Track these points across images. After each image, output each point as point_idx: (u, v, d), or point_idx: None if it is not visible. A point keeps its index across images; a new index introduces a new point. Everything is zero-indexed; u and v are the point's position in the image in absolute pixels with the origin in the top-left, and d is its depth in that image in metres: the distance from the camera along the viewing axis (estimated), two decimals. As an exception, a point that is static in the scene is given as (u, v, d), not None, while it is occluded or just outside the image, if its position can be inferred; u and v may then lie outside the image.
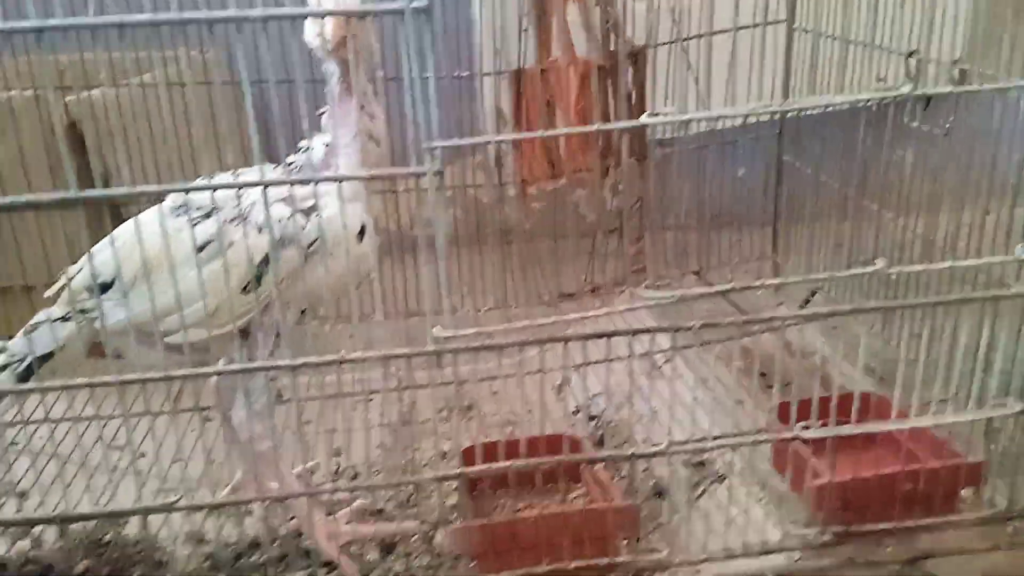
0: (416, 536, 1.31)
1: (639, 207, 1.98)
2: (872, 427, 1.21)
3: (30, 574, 1.25)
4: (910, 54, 1.35)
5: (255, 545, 1.30)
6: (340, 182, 1.13)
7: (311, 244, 1.15)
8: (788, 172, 2.00)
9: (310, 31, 1.13)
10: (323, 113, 1.23)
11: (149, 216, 1.17)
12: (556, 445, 1.22)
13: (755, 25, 1.83)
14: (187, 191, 1.02)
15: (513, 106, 1.87)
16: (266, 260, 1.13)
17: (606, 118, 1.85)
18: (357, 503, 1.38)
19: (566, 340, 1.10)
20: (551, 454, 1.19)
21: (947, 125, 1.44)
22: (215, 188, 1.06)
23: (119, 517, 1.15)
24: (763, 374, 1.63)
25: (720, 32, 1.79)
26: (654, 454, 1.14)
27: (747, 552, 1.21)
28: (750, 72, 1.82)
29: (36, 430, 1.45)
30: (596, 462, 1.28)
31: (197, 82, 1.80)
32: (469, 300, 1.99)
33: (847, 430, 1.16)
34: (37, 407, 1.37)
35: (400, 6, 0.92)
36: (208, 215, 1.13)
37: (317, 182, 1.13)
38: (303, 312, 1.22)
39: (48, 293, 1.18)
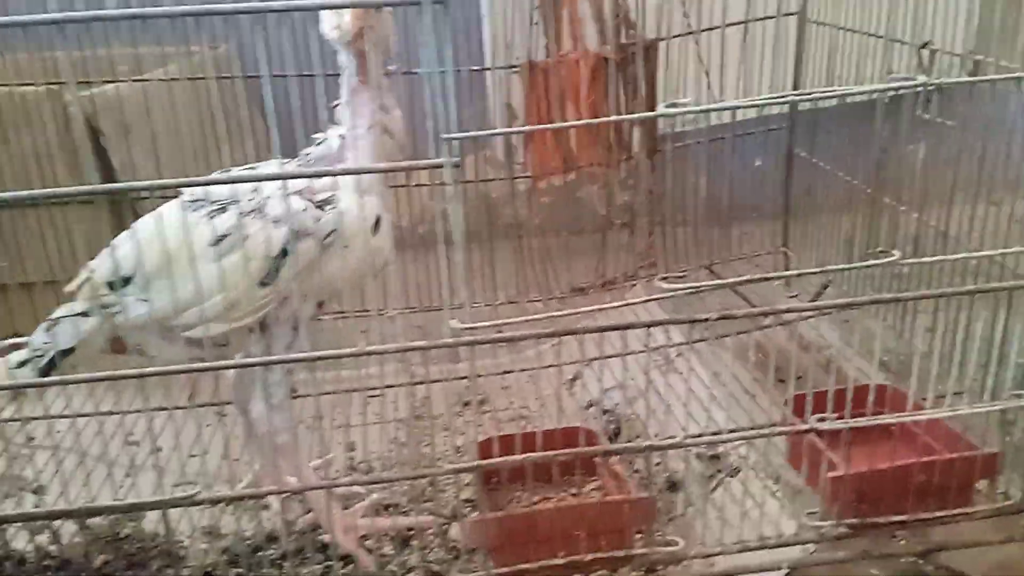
0: (431, 530, 1.32)
1: (650, 201, 1.97)
2: (888, 419, 1.21)
3: (48, 569, 1.25)
4: (923, 45, 1.35)
5: (272, 539, 1.30)
6: (357, 175, 1.13)
7: (327, 236, 1.15)
8: (799, 165, 1.99)
9: (328, 22, 1.13)
10: (336, 105, 1.23)
11: (166, 210, 1.17)
12: (572, 438, 1.22)
13: (767, 17, 1.82)
14: (209, 184, 1.02)
15: (524, 100, 1.87)
16: (283, 252, 1.13)
17: (617, 112, 1.84)
18: (374, 497, 1.39)
19: (584, 332, 1.11)
20: (567, 447, 1.20)
21: (959, 117, 1.44)
22: (234, 181, 1.07)
23: (140, 510, 1.16)
24: (772, 368, 1.63)
25: (732, 25, 1.79)
26: (670, 446, 1.14)
27: (762, 544, 1.21)
28: (761, 65, 1.82)
29: (54, 425, 1.46)
30: (612, 455, 1.28)
31: (210, 77, 1.80)
32: (481, 295, 1.99)
33: (863, 422, 1.16)
34: (55, 401, 1.38)
35: (418, -2, 0.92)
36: (224, 208, 1.14)
37: (336, 175, 1.13)
38: (320, 305, 1.23)
39: (69, 288, 1.18)
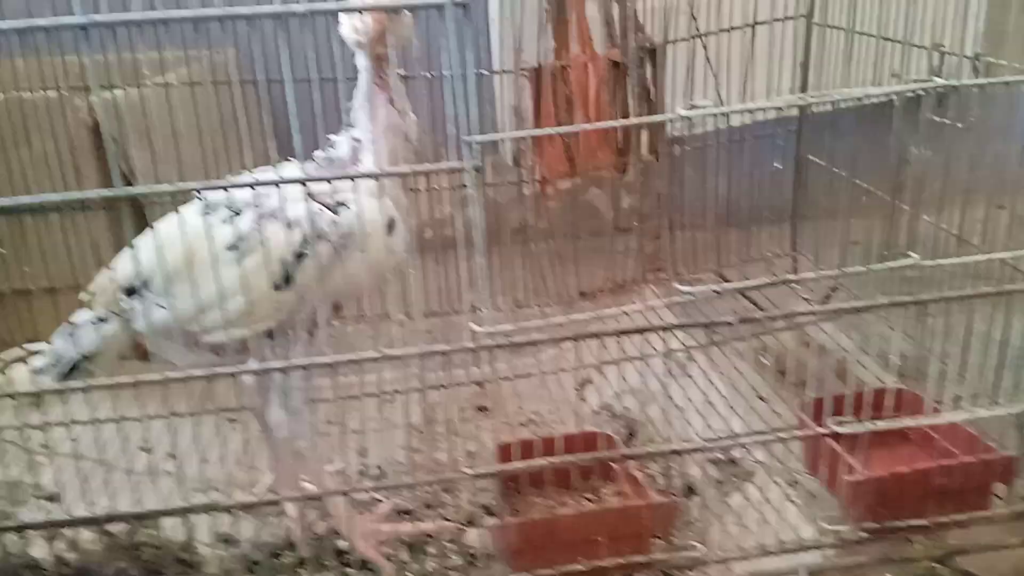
0: (448, 535, 1.31)
1: (657, 205, 1.97)
2: (907, 422, 1.20)
3: (64, 576, 1.25)
4: (936, 47, 1.35)
5: (289, 545, 1.29)
6: (377, 178, 1.13)
7: (341, 238, 1.15)
8: (807, 169, 1.99)
9: (347, 25, 1.13)
10: (350, 108, 1.22)
11: (181, 215, 1.16)
12: (591, 442, 1.22)
13: (774, 20, 1.83)
14: (226, 188, 1.01)
15: (532, 104, 1.86)
16: (298, 256, 1.13)
17: (625, 115, 1.84)
18: (392, 502, 1.38)
19: (602, 335, 1.10)
20: (586, 452, 1.19)
21: (970, 119, 1.44)
22: (251, 185, 1.06)
23: (160, 517, 1.15)
24: (781, 372, 1.63)
25: (738, 28, 1.79)
26: (693, 450, 1.14)
27: (781, 549, 1.21)
28: (768, 68, 1.82)
29: (68, 431, 1.45)
30: (634, 459, 1.28)
31: (220, 82, 1.79)
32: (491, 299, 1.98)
33: (882, 425, 1.16)
34: (66, 408, 1.37)
35: (441, 0, 0.92)
36: (239, 213, 1.13)
37: (355, 178, 1.12)
38: (336, 309, 1.22)
39: (84, 295, 1.17)
